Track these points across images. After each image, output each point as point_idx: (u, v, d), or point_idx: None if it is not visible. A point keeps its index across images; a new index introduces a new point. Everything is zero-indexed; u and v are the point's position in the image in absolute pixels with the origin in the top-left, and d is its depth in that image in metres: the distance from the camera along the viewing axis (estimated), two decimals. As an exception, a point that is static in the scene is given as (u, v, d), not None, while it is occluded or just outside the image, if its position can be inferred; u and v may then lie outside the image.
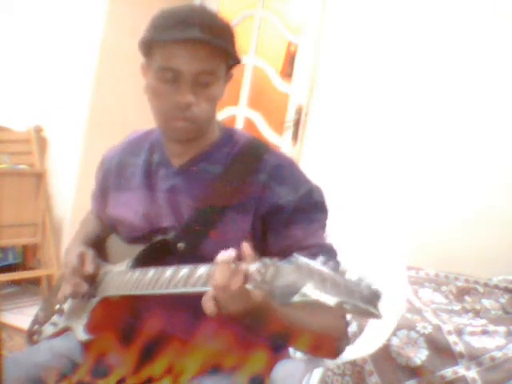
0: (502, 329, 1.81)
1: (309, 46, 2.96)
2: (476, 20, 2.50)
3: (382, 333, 1.37)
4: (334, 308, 0.62)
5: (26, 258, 3.02)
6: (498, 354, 1.68)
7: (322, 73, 2.88)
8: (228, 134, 1.11)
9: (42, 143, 2.98)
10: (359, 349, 1.40)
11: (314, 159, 2.84)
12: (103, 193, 1.21)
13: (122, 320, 1.05)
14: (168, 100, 0.99)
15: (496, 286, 2.22)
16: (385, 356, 1.73)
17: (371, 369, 1.75)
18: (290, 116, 3.02)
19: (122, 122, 2.79)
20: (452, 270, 2.31)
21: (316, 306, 0.63)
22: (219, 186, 1.04)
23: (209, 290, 0.79)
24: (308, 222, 1.01)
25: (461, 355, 1.69)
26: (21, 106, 3.06)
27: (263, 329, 0.84)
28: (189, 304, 0.86)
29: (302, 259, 0.67)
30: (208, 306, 0.79)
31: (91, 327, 1.05)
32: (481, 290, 2.21)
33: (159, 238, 1.05)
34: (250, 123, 3.15)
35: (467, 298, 2.18)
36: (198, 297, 0.81)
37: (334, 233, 1.10)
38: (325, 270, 0.65)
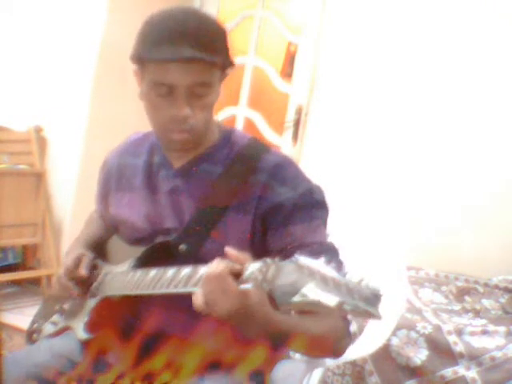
0: (501, 329, 1.81)
1: (309, 46, 2.96)
2: (476, 20, 2.50)
3: (381, 333, 1.37)
4: (334, 308, 0.62)
5: (25, 258, 3.02)
6: (498, 354, 1.68)
7: (322, 73, 2.88)
8: (227, 135, 1.11)
9: (42, 143, 2.98)
10: (359, 349, 1.40)
11: (314, 159, 2.84)
12: (105, 194, 1.22)
13: (123, 319, 1.05)
14: (164, 113, 0.99)
15: (496, 286, 2.22)
16: (385, 356, 1.73)
17: (371, 369, 1.75)
18: (290, 116, 3.02)
19: (122, 122, 2.79)
20: (452, 270, 2.31)
21: (316, 306, 0.63)
22: (220, 186, 1.04)
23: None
24: (308, 221, 1.01)
25: (461, 355, 1.69)
26: (21, 106, 3.05)
27: (259, 332, 0.83)
28: (189, 303, 0.87)
29: (304, 259, 0.67)
30: (197, 303, 0.79)
31: (91, 326, 1.05)
32: (481, 290, 2.21)
33: (161, 239, 1.05)
34: (250, 123, 3.15)
35: (467, 298, 2.18)
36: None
37: (334, 233, 1.10)
38: (326, 270, 0.65)
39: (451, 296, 2.18)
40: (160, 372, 0.91)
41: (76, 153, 2.90)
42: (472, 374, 1.66)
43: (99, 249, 1.20)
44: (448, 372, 1.68)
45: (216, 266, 0.78)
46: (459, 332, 1.75)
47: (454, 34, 2.53)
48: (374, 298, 0.62)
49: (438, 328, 1.76)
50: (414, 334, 1.75)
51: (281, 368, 1.07)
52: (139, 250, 1.05)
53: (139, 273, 0.98)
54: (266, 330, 0.83)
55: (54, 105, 2.97)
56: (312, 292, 0.63)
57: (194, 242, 1.01)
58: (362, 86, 2.74)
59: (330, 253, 1.00)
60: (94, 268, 1.14)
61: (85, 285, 1.11)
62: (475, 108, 2.51)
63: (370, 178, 2.68)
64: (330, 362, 1.27)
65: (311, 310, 0.65)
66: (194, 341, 0.95)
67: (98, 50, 2.85)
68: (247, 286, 0.74)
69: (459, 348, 1.70)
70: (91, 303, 1.09)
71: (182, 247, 1.01)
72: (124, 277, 1.03)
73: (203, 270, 0.82)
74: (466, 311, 2.05)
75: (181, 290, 0.84)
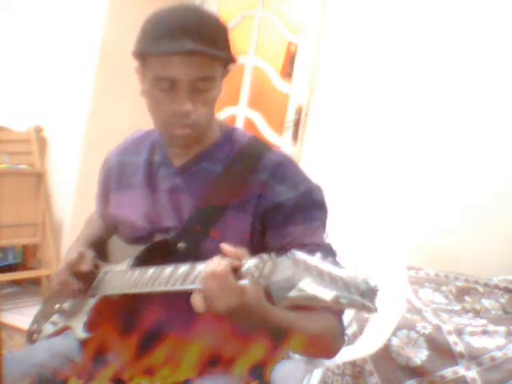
0: (501, 329, 1.81)
1: (309, 46, 2.96)
2: (476, 20, 2.50)
3: (381, 333, 1.37)
4: (330, 302, 0.62)
5: (25, 257, 3.02)
6: (498, 354, 1.68)
7: (322, 73, 2.88)
8: (228, 134, 1.11)
9: (42, 143, 2.98)
10: (359, 349, 1.40)
11: (314, 159, 2.84)
12: (105, 193, 1.22)
13: (122, 318, 1.05)
14: (166, 108, 0.99)
15: (496, 286, 2.22)
16: (385, 356, 1.73)
17: (371, 369, 1.75)
18: (290, 116, 3.02)
19: (122, 122, 2.78)
20: (452, 270, 2.31)
21: (313, 301, 0.63)
22: (220, 185, 1.04)
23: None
24: (307, 221, 1.01)
25: (461, 355, 1.69)
26: (21, 106, 3.06)
27: (257, 328, 0.84)
28: (188, 301, 0.87)
29: (300, 254, 0.67)
30: (196, 301, 0.79)
31: (91, 325, 1.05)
32: (481, 290, 2.21)
33: (160, 238, 1.05)
34: (250, 123, 3.15)
35: (467, 298, 2.18)
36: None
37: (334, 233, 1.10)
38: (322, 265, 0.65)
39: (451, 296, 2.18)
40: (159, 368, 0.92)
41: (76, 153, 2.90)
42: (472, 374, 1.66)
43: (99, 249, 1.20)
44: (448, 372, 1.68)
45: (217, 263, 0.78)
46: (459, 332, 1.75)
47: (454, 33, 2.53)
48: (370, 292, 0.63)
49: (437, 328, 1.76)
50: (414, 334, 1.75)
51: (281, 368, 1.07)
52: (138, 249, 1.05)
53: (138, 271, 0.98)
54: (264, 326, 0.84)
55: (54, 105, 2.97)
56: (308, 287, 0.63)
57: (193, 240, 1.01)
58: (362, 86, 2.74)
59: (326, 252, 1.00)
60: (95, 267, 1.14)
61: (85, 283, 1.11)
62: (475, 108, 2.51)
63: (370, 178, 2.68)
64: (328, 363, 1.27)
65: (308, 304, 0.65)
66: (192, 338, 0.96)
67: (98, 50, 2.85)
68: (245, 282, 0.74)
69: (459, 348, 1.70)
70: (90, 302, 1.09)
71: (181, 245, 1.01)
72: (123, 276, 1.03)
73: (201, 267, 0.82)
74: (466, 311, 2.05)
75: (179, 287, 0.84)
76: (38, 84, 3.00)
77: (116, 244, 1.18)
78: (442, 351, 1.71)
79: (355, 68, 2.75)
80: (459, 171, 2.53)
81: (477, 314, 2.04)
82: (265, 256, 0.73)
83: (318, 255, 0.67)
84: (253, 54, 3.14)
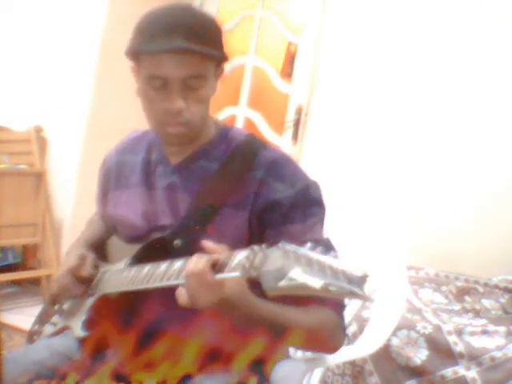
0: (502, 329, 1.81)
1: (309, 46, 2.96)
2: (476, 20, 2.50)
3: (381, 333, 1.37)
4: (319, 290, 0.63)
5: (25, 258, 3.02)
6: (498, 354, 1.68)
7: (322, 73, 2.88)
8: (224, 132, 1.11)
9: (42, 143, 2.98)
10: (359, 349, 1.40)
11: (314, 159, 2.84)
12: (104, 193, 1.22)
13: (120, 316, 1.06)
14: (159, 107, 1.00)
15: (496, 286, 2.22)
16: (385, 356, 1.73)
17: (371, 369, 1.75)
18: (290, 116, 3.02)
19: (122, 122, 2.78)
20: (452, 270, 2.31)
21: (303, 290, 0.64)
22: (216, 182, 1.05)
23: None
24: (305, 218, 1.01)
25: (461, 355, 1.69)
26: (21, 106, 3.06)
27: (245, 321, 0.87)
28: None
29: (290, 245, 0.68)
30: (179, 296, 0.82)
31: (89, 324, 1.06)
32: (481, 290, 2.21)
33: (157, 236, 1.05)
34: (250, 123, 3.15)
35: (467, 297, 2.18)
36: None
37: (334, 232, 1.10)
38: (311, 254, 0.66)
39: (451, 296, 2.18)
40: (159, 363, 0.92)
41: (76, 153, 2.90)
42: (472, 374, 1.66)
43: (99, 249, 1.21)
44: (448, 372, 1.68)
45: (195, 260, 0.81)
46: (459, 332, 1.75)
47: (454, 33, 2.53)
48: (359, 279, 0.63)
49: (437, 328, 1.76)
50: (414, 334, 1.75)
51: (281, 368, 1.07)
52: (136, 248, 1.06)
53: (134, 269, 0.99)
54: (253, 319, 0.86)
55: (54, 105, 2.97)
56: (298, 276, 0.64)
57: (189, 237, 1.01)
58: (362, 86, 2.74)
59: (326, 248, 1.00)
60: (95, 268, 1.14)
61: (86, 285, 1.12)
62: (475, 108, 2.51)
63: (370, 178, 2.68)
64: (329, 361, 1.27)
65: (298, 294, 0.65)
66: (191, 333, 0.96)
67: (98, 50, 2.85)
68: (224, 276, 0.76)
69: (459, 348, 1.70)
70: (89, 302, 1.09)
71: (177, 242, 1.02)
72: (120, 274, 1.04)
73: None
74: (466, 311, 2.05)
75: (174, 282, 0.86)
76: (38, 84, 3.00)
77: (115, 244, 1.18)
78: (441, 351, 1.71)
79: (355, 68, 2.75)
80: (459, 171, 2.53)
81: (477, 314, 2.04)
82: (256, 247, 0.74)
83: (308, 245, 0.68)
84: (253, 54, 3.14)
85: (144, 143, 1.17)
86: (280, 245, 0.69)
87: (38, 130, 2.96)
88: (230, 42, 3.28)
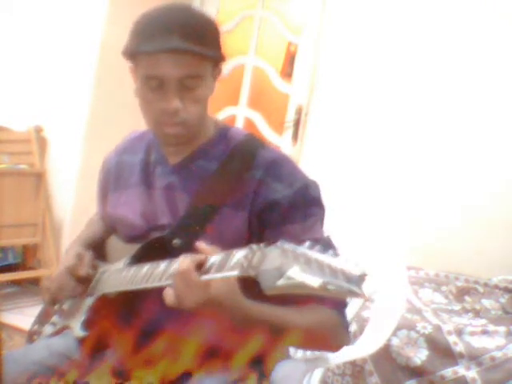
0: (502, 329, 1.81)
1: (309, 46, 2.96)
2: (476, 20, 2.50)
3: (381, 333, 1.37)
4: (318, 289, 0.63)
5: (25, 258, 3.02)
6: (498, 354, 1.68)
7: (322, 73, 2.88)
8: (224, 132, 1.12)
9: (42, 143, 2.98)
10: (359, 349, 1.40)
11: (314, 159, 2.84)
12: (104, 193, 1.23)
13: (120, 315, 1.06)
14: (156, 107, 1.00)
15: (496, 286, 2.22)
16: (385, 356, 1.73)
17: (371, 369, 1.75)
18: (290, 116, 3.02)
19: (122, 122, 2.79)
20: (452, 270, 2.31)
21: (301, 288, 0.64)
22: (215, 182, 1.05)
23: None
24: (304, 218, 1.02)
25: (461, 355, 1.69)
26: (21, 106, 3.06)
27: (237, 324, 0.87)
28: None
29: (289, 244, 0.68)
30: (166, 296, 0.83)
31: (89, 324, 1.06)
32: (481, 290, 2.21)
33: (156, 235, 1.05)
34: (250, 123, 3.15)
35: (467, 298, 2.18)
36: None
37: (334, 233, 1.10)
38: (310, 252, 0.66)
39: (451, 296, 2.18)
40: (158, 360, 0.93)
41: (76, 153, 2.90)
42: (472, 373, 1.66)
43: (98, 249, 1.21)
44: (448, 372, 1.68)
45: (181, 260, 0.82)
46: (459, 332, 1.75)
47: (454, 33, 2.53)
48: (357, 278, 0.63)
49: (438, 328, 1.76)
50: (414, 334, 1.75)
51: (281, 368, 1.07)
52: (135, 248, 1.06)
53: (133, 269, 0.99)
54: (241, 320, 0.86)
55: (54, 105, 2.97)
56: (297, 275, 0.64)
57: (188, 237, 1.01)
58: (362, 86, 2.74)
59: (326, 246, 1.00)
60: (93, 268, 1.14)
61: (84, 284, 1.12)
62: (475, 108, 2.51)
63: (370, 178, 2.68)
64: (330, 361, 1.27)
65: (297, 292, 0.65)
66: (190, 332, 0.96)
67: (98, 50, 2.85)
68: (233, 273, 0.75)
69: (459, 348, 1.70)
70: (88, 302, 1.09)
71: (176, 242, 1.02)
72: (119, 274, 1.04)
73: None
74: (466, 311, 2.05)
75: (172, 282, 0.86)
76: (38, 84, 3.00)
77: (114, 243, 1.19)
78: (441, 351, 1.71)
79: (355, 68, 2.75)
80: (459, 171, 2.53)
81: (477, 314, 2.04)
82: (254, 246, 0.74)
83: (307, 244, 0.68)
84: (253, 54, 3.14)
85: (143, 143, 1.17)
86: (278, 244, 0.69)
87: (38, 130, 2.96)
88: (229, 42, 3.28)
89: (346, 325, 1.01)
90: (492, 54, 2.47)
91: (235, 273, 0.74)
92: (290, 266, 0.65)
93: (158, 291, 0.90)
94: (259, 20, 3.13)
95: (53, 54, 2.95)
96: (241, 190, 1.03)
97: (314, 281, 0.63)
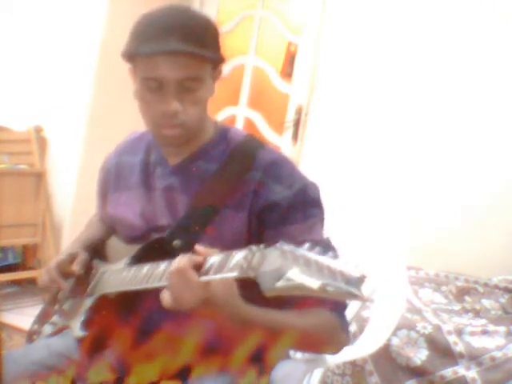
0: (502, 329, 1.81)
1: (309, 46, 2.96)
2: (476, 20, 2.50)
3: (381, 333, 1.37)
4: (317, 290, 0.63)
5: (26, 257, 3.02)
6: (498, 354, 1.68)
7: (322, 73, 2.88)
8: (223, 133, 1.12)
9: (42, 143, 2.98)
10: (359, 349, 1.40)
11: (314, 159, 2.84)
12: (104, 194, 1.23)
13: (119, 316, 1.06)
14: (155, 108, 1.00)
15: (496, 286, 2.22)
16: (385, 356, 1.73)
17: (371, 369, 1.75)
18: (290, 116, 3.02)
19: (122, 122, 2.78)
20: (452, 270, 2.31)
21: (300, 290, 0.64)
22: (215, 183, 1.05)
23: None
24: (304, 218, 1.02)
25: (461, 355, 1.69)
26: (21, 106, 3.06)
27: (234, 325, 0.86)
28: None
29: (288, 245, 0.68)
30: (163, 297, 0.83)
31: (89, 324, 1.06)
32: (481, 289, 2.21)
33: (156, 236, 1.05)
34: (250, 123, 3.15)
35: (467, 298, 2.18)
36: None
37: (334, 233, 1.10)
38: (309, 254, 0.66)
39: (451, 296, 2.18)
40: (157, 356, 0.93)
41: (76, 153, 2.90)
42: (472, 373, 1.66)
43: (97, 250, 1.21)
44: (448, 372, 1.68)
45: (178, 260, 0.81)
46: (459, 332, 1.75)
47: (454, 34, 2.53)
48: (357, 280, 0.63)
49: (438, 328, 1.76)
50: (414, 334, 1.75)
51: (281, 368, 1.07)
52: (135, 248, 1.06)
53: (133, 269, 0.99)
54: (238, 322, 0.85)
55: (54, 105, 2.97)
56: (296, 276, 0.64)
57: (189, 237, 1.01)
58: (362, 86, 2.74)
59: (326, 248, 1.01)
60: (89, 268, 1.15)
61: (79, 284, 1.12)
62: (475, 108, 2.51)
63: (370, 178, 2.68)
64: (330, 361, 1.27)
65: (296, 294, 0.65)
66: (190, 333, 0.97)
67: (98, 50, 2.84)
68: (232, 275, 0.75)
69: (459, 348, 1.70)
70: (88, 302, 1.10)
71: (177, 243, 1.02)
72: (119, 274, 1.04)
73: None
74: (466, 311, 2.05)
75: None
76: (38, 84, 3.00)
77: (114, 244, 1.19)
78: (441, 351, 1.71)
79: (355, 68, 2.75)
80: (459, 171, 2.53)
81: (477, 314, 2.04)
82: (254, 248, 0.74)
83: (306, 245, 0.68)
84: (253, 54, 3.14)
85: (143, 144, 1.17)
86: (278, 245, 0.69)
87: (38, 130, 2.96)
88: (229, 42, 3.27)
89: (345, 327, 1.01)
90: (492, 53, 2.47)
91: (234, 274, 0.74)
92: (290, 267, 0.65)
93: (158, 292, 0.90)
94: (259, 20, 3.13)
95: (53, 53, 2.95)
96: (241, 191, 1.03)
97: (313, 282, 0.63)
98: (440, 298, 2.13)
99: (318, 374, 1.31)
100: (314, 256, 0.65)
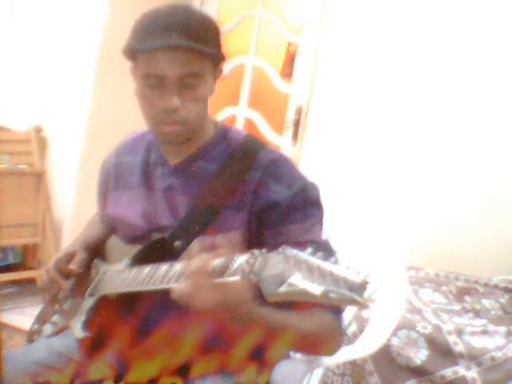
0: (502, 329, 1.81)
1: (309, 46, 2.96)
2: (476, 20, 2.50)
3: (381, 333, 1.37)
4: (319, 296, 0.62)
5: (26, 257, 3.02)
6: (498, 354, 1.68)
7: (322, 73, 2.88)
8: (223, 132, 1.12)
9: (42, 143, 2.98)
10: (359, 349, 1.40)
11: (314, 159, 2.84)
12: (104, 194, 1.22)
13: (120, 317, 1.06)
14: (155, 105, 1.00)
15: (496, 286, 2.22)
16: (385, 356, 1.73)
17: (371, 369, 1.75)
18: (290, 116, 3.02)
19: (122, 122, 2.79)
20: (452, 270, 2.31)
21: (302, 296, 0.64)
22: (215, 183, 1.05)
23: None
24: (303, 219, 1.02)
25: (461, 355, 1.69)
26: (21, 106, 3.06)
27: (244, 325, 0.85)
28: None
29: (290, 250, 0.68)
30: (176, 291, 0.79)
31: (89, 325, 1.06)
32: (481, 289, 2.21)
33: (157, 237, 1.05)
34: (250, 123, 3.15)
35: (467, 297, 2.18)
36: None
37: (334, 233, 1.10)
38: (312, 259, 0.66)
39: (451, 296, 2.18)
40: (157, 353, 0.93)
41: (76, 153, 2.90)
42: (472, 374, 1.66)
43: (98, 250, 1.21)
44: (448, 372, 1.68)
45: (197, 259, 0.79)
46: (459, 332, 1.75)
47: (454, 34, 2.53)
48: (359, 286, 0.63)
49: (438, 328, 1.76)
50: (414, 334, 1.75)
51: (281, 368, 1.07)
52: (136, 249, 1.06)
53: (134, 270, 0.99)
54: (247, 322, 0.84)
55: (54, 105, 2.97)
56: (298, 282, 0.64)
57: (190, 238, 1.01)
58: (362, 86, 2.74)
59: (324, 250, 1.00)
60: (89, 268, 1.15)
61: (79, 284, 1.12)
62: (475, 108, 2.50)
63: (370, 178, 2.68)
64: (328, 362, 1.27)
65: (298, 299, 0.65)
66: (189, 334, 0.97)
67: (98, 50, 2.84)
68: (234, 279, 0.74)
69: (459, 348, 1.70)
70: (89, 302, 1.10)
71: (178, 244, 1.02)
72: (120, 275, 1.04)
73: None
74: (466, 311, 2.05)
75: (174, 284, 0.85)
76: (37, 84, 3.00)
77: (115, 244, 1.18)
78: (441, 351, 1.71)
79: (355, 68, 2.75)
80: (459, 171, 2.53)
81: (477, 314, 2.04)
82: (256, 252, 0.73)
83: (309, 250, 0.68)
84: (253, 54, 3.14)
85: (143, 144, 1.17)
86: (280, 249, 0.69)
87: (38, 130, 2.96)
88: (229, 42, 3.26)
89: (342, 328, 1.01)
90: (492, 53, 2.46)
91: (237, 278, 0.73)
92: (292, 272, 0.65)
93: (159, 293, 0.90)
94: (259, 20, 3.13)
95: (53, 53, 2.95)
96: (241, 191, 1.03)
97: (315, 288, 0.63)
98: (440, 298, 2.13)
99: (318, 374, 1.31)
100: (316, 261, 0.65)
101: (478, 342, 1.73)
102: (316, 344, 0.98)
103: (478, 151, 2.50)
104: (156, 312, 1.01)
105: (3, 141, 2.87)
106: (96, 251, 1.21)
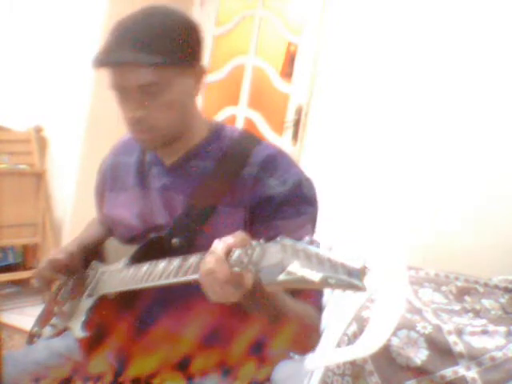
0: (502, 329, 1.81)
1: (309, 46, 2.96)
2: (476, 20, 2.50)
3: (381, 333, 1.37)
4: (318, 283, 0.63)
5: (26, 257, 3.02)
6: (498, 354, 1.68)
7: (322, 73, 2.88)
8: (218, 131, 1.11)
9: (42, 143, 2.98)
10: (359, 349, 1.40)
11: (314, 159, 2.84)
12: (101, 195, 1.23)
13: (120, 316, 1.06)
14: (124, 115, 1.02)
15: (496, 286, 2.22)
16: (385, 356, 1.73)
17: (371, 369, 1.75)
18: (290, 116, 3.02)
19: (122, 122, 2.79)
20: (452, 270, 2.31)
21: (301, 283, 0.64)
22: (211, 181, 1.05)
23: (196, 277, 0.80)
24: (295, 216, 1.01)
25: (461, 355, 1.69)
26: (21, 106, 3.06)
27: (260, 312, 0.86)
28: (182, 294, 0.88)
29: (288, 240, 0.68)
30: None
31: (89, 325, 1.06)
32: (481, 289, 2.21)
33: (154, 235, 1.06)
34: (250, 123, 3.15)
35: (467, 297, 2.17)
36: (190, 287, 0.82)
37: (334, 233, 1.10)
38: (309, 247, 0.66)
39: (451, 296, 2.18)
40: (157, 349, 0.93)
41: (76, 153, 2.90)
42: (472, 374, 1.66)
43: (96, 251, 1.21)
44: (448, 372, 1.68)
45: (215, 244, 0.78)
46: (459, 332, 1.75)
47: (455, 33, 2.53)
48: (358, 271, 0.63)
49: (438, 328, 1.76)
50: (414, 334, 1.75)
51: (281, 368, 1.07)
52: (134, 249, 1.06)
53: (132, 268, 0.99)
54: (270, 310, 0.85)
55: (54, 105, 2.97)
56: (297, 269, 0.64)
57: (187, 236, 1.01)
58: (362, 86, 2.74)
59: None
60: (82, 267, 1.15)
61: (80, 285, 1.12)
62: (475, 108, 2.50)
63: (370, 178, 2.68)
64: (329, 362, 1.27)
65: (297, 287, 0.66)
66: (189, 332, 0.97)
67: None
68: (234, 270, 0.74)
69: (459, 348, 1.70)
70: (88, 302, 1.10)
71: (175, 241, 1.02)
72: (119, 274, 1.04)
73: (193, 259, 0.83)
74: (466, 311, 2.05)
75: (172, 280, 0.85)
76: (38, 84, 3.00)
77: (113, 245, 1.19)
78: (441, 351, 1.71)
79: (355, 68, 2.75)
80: (459, 171, 2.53)
81: (477, 314, 2.03)
82: (254, 242, 0.74)
83: (306, 239, 0.68)
84: (253, 54, 3.14)
85: (138, 144, 1.17)
86: (278, 239, 0.70)
87: (38, 130, 2.96)
88: (229, 42, 3.26)
89: (320, 328, 1.01)
90: (492, 53, 2.46)
91: (236, 269, 0.74)
92: (290, 260, 0.65)
93: (158, 290, 0.90)
94: (259, 20, 3.13)
95: (53, 53, 2.95)
96: (237, 188, 1.03)
97: (314, 275, 0.63)
98: (440, 298, 2.13)
99: (318, 374, 1.31)
100: (314, 249, 0.66)
101: (478, 342, 1.73)
102: (303, 332, 0.97)
103: (477, 151, 2.50)
104: (155, 309, 1.01)
105: (3, 141, 2.87)
106: (94, 252, 1.21)
